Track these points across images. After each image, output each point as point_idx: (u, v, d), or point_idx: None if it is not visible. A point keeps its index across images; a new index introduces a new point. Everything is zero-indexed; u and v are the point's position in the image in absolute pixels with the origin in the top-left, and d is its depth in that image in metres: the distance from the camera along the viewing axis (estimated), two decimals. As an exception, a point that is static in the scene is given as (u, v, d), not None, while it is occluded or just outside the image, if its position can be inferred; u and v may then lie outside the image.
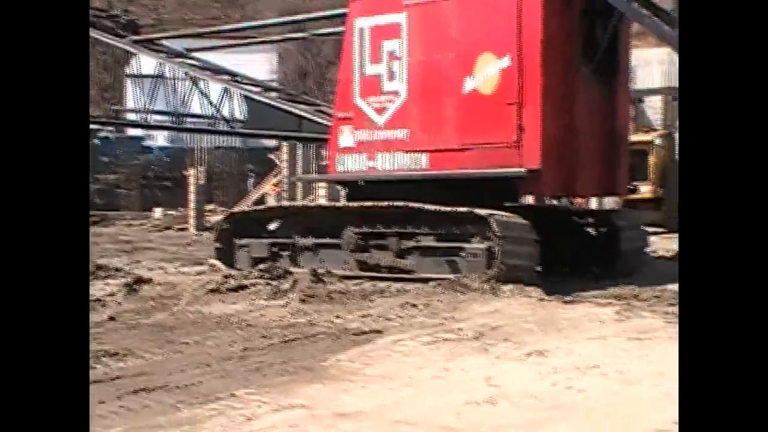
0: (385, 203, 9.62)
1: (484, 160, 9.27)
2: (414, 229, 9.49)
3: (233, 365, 5.66)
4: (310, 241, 10.43)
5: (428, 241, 9.41)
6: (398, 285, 8.95)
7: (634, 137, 16.92)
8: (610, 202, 16.29)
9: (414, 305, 7.71)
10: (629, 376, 5.04)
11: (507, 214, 8.98)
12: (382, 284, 9.08)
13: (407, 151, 9.98)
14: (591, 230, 10.70)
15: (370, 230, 9.82)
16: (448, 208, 9.10)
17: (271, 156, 25.81)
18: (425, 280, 8.91)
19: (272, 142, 24.50)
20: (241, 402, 4.73)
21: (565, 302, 7.74)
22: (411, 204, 9.37)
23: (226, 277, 9.69)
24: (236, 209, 13.10)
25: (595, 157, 9.70)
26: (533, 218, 9.18)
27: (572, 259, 10.30)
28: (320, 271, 9.55)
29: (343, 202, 11.13)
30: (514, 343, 6.02)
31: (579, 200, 16.27)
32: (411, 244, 9.51)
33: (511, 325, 6.72)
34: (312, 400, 4.73)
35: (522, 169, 9.00)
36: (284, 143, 21.90)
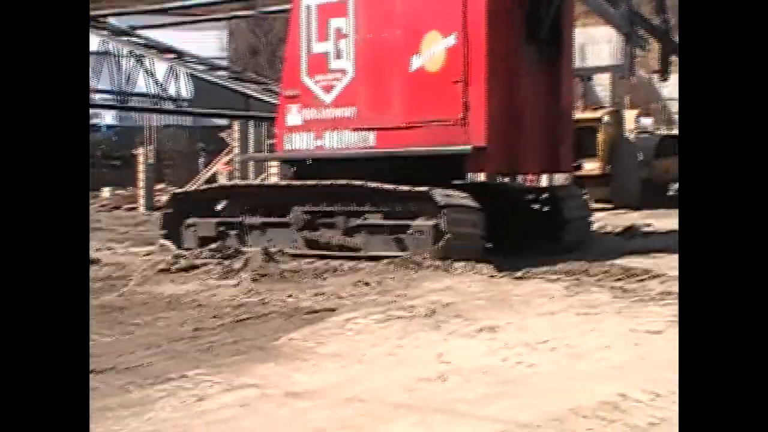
0: (329, 182, 9.64)
1: (431, 137, 9.32)
2: (361, 207, 9.51)
3: (184, 346, 5.61)
4: (257, 219, 10.39)
5: (375, 219, 9.44)
6: (351, 263, 8.95)
7: (583, 115, 17.14)
8: (560, 179, 16.49)
9: (366, 283, 7.72)
10: (577, 350, 5.12)
11: (451, 191, 9.06)
12: (334, 262, 9.07)
13: (354, 129, 9.98)
14: (536, 206, 10.83)
15: (318, 209, 9.82)
16: (391, 186, 9.14)
17: (223, 135, 25.53)
18: (376, 258, 8.94)
19: (223, 121, 24.22)
20: (191, 382, 4.69)
21: (516, 278, 7.82)
22: (354, 182, 9.40)
23: (176, 257, 9.59)
24: (181, 190, 12.93)
25: (539, 135, 9.82)
26: (479, 195, 9.26)
27: (520, 234, 10.42)
28: (272, 249, 9.51)
29: (290, 181, 11.10)
30: (466, 320, 6.06)
31: (530, 177, 16.45)
32: (358, 222, 9.53)
33: (462, 302, 6.77)
34: (264, 380, 4.71)
35: (468, 147, 9.07)
36: (235, 122, 21.69)
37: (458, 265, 8.37)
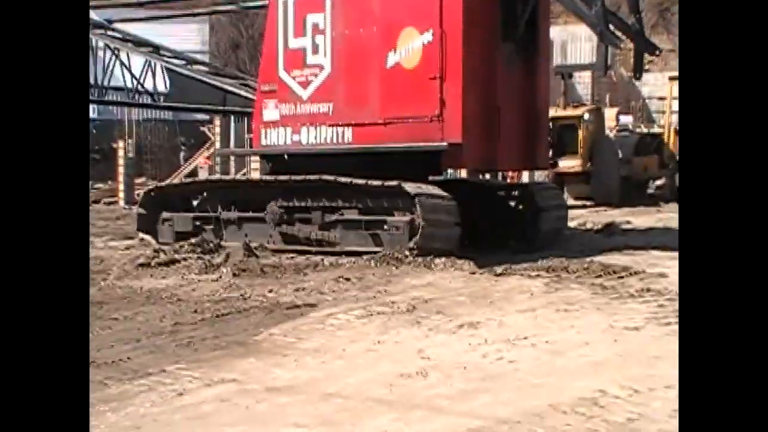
0: (302, 177, 9.66)
1: (407, 133, 9.35)
2: (337, 202, 9.53)
3: (164, 341, 5.59)
4: (234, 214, 10.41)
5: (351, 215, 9.47)
6: (332, 259, 8.95)
7: (564, 112, 17.20)
8: (540, 177, 16.55)
9: (347, 279, 7.73)
10: (557, 346, 5.15)
11: (427, 186, 9.13)
12: (315, 258, 9.07)
13: (331, 125, 9.99)
14: (512, 202, 10.90)
15: (294, 204, 9.83)
16: (362, 181, 9.18)
17: (204, 129, 25.39)
18: (353, 254, 8.97)
19: (204, 115, 24.10)
20: (171, 377, 4.67)
21: (497, 275, 7.85)
22: (326, 177, 9.42)
23: (156, 251, 9.54)
24: (155, 185, 12.91)
25: (515, 133, 9.88)
26: (455, 191, 9.33)
27: (497, 229, 10.49)
28: (253, 244, 9.50)
29: (265, 176, 11.12)
30: (447, 316, 6.08)
31: (511, 174, 16.51)
32: (334, 217, 9.55)
33: (443, 298, 6.79)
34: (244, 375, 4.70)
35: (443, 143, 9.11)
36: (216, 116, 21.58)
37: (439, 261, 8.40)
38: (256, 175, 17.35)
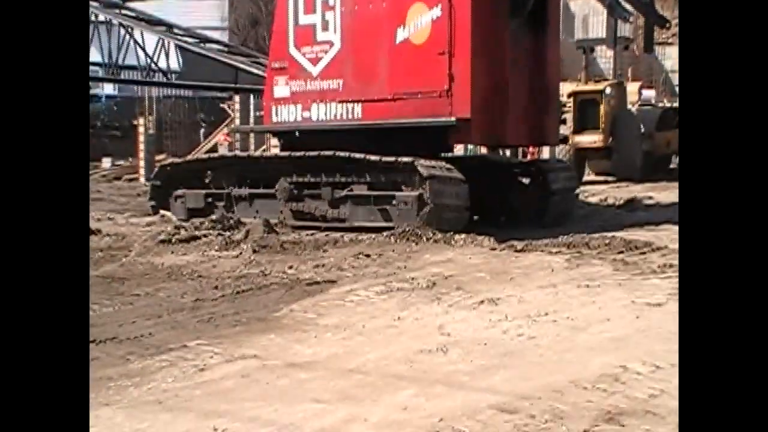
0: (314, 153, 9.70)
1: (416, 109, 9.34)
2: (346, 178, 9.53)
3: (185, 316, 5.62)
4: (245, 191, 10.46)
5: (361, 190, 9.47)
6: (351, 235, 8.96)
7: (586, 87, 17.03)
8: (561, 152, 16.42)
9: (367, 255, 7.73)
10: (578, 322, 5.12)
11: (435, 162, 9.09)
12: (335, 234, 9.08)
13: (341, 101, 10.00)
14: (524, 179, 10.85)
15: (304, 180, 9.84)
16: (375, 157, 9.19)
17: (223, 106, 25.40)
18: (361, 230, 9.00)
19: (223, 93, 24.10)
20: (193, 353, 4.70)
21: (517, 251, 7.82)
22: (339, 153, 9.46)
23: (177, 227, 9.59)
24: (170, 161, 12.97)
25: (525, 108, 9.83)
26: (465, 167, 9.30)
27: (511, 205, 10.46)
28: (273, 221, 9.54)
29: (276, 152, 11.19)
30: (467, 292, 6.07)
31: (531, 150, 16.39)
32: (344, 193, 9.56)
33: (463, 274, 6.77)
34: (265, 351, 4.72)
35: (452, 118, 9.08)
36: (236, 93, 21.57)
37: (459, 237, 8.38)
38: (275, 152, 17.41)
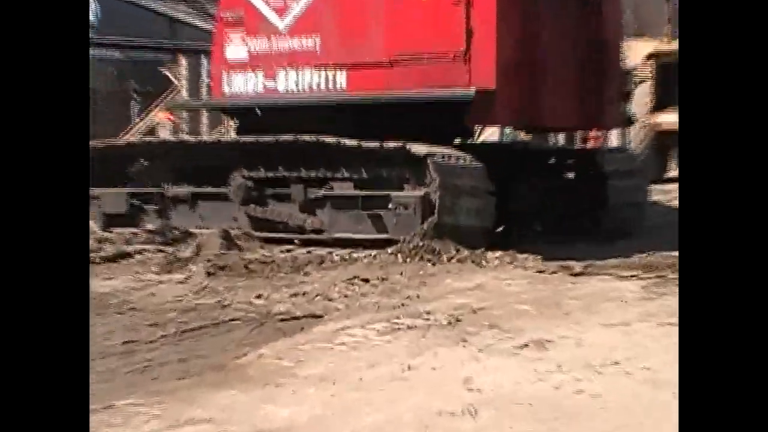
0: (281, 137, 9.66)
1: (421, 77, 9.34)
2: (324, 173, 9.54)
3: (111, 364, 5.64)
4: (185, 190, 10.46)
5: (344, 189, 9.49)
6: (343, 252, 8.99)
7: (670, 46, 17.10)
8: (635, 138, 16.47)
9: (365, 280, 7.76)
10: (659, 375, 5.13)
11: (452, 151, 9.08)
12: (320, 251, 9.11)
13: (318, 67, 10.00)
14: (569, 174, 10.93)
15: (267, 175, 9.86)
16: (365, 144, 9.17)
17: (165, 71, 25.50)
18: (343, 242, 9.02)
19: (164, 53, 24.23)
20: (121, 415, 4.71)
21: (574, 275, 7.85)
22: (314, 137, 9.42)
23: (100, 241, 9.64)
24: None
25: (571, 79, 9.81)
26: (491, 159, 9.26)
27: (548, 210, 10.53)
28: (233, 232, 9.56)
29: (231, 137, 11.20)
30: (504, 332, 6.09)
31: (593, 135, 16.44)
32: (321, 193, 9.56)
33: (498, 307, 6.80)
34: (223, 413, 4.73)
35: (471, 90, 9.04)
36: (182, 54, 21.71)
37: (492, 255, 8.41)
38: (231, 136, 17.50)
